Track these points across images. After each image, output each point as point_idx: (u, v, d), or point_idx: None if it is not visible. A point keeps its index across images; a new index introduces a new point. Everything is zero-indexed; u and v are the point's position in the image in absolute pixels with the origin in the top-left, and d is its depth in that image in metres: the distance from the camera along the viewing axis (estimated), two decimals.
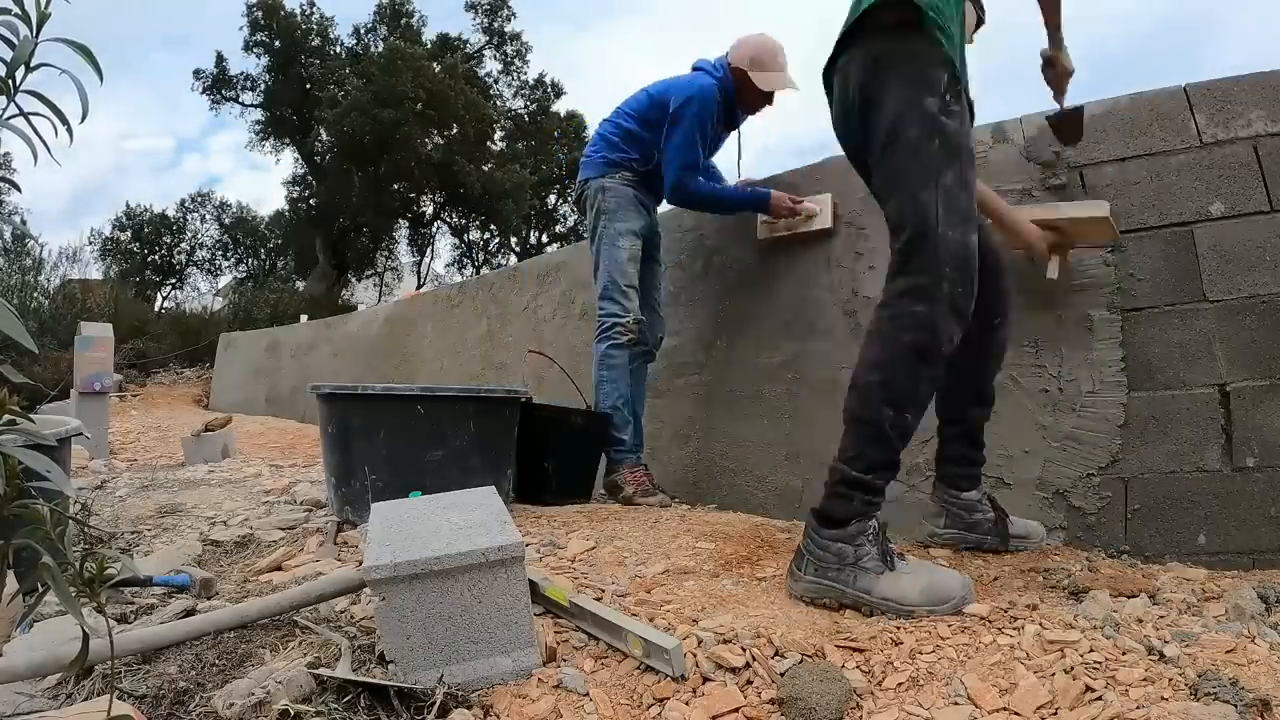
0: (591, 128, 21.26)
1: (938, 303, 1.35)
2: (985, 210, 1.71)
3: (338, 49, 18.06)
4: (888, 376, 1.38)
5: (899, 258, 1.41)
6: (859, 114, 1.48)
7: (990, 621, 1.26)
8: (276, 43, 17.03)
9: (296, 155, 18.11)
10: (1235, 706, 0.96)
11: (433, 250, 21.16)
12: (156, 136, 47.42)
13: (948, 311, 1.36)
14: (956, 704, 1.04)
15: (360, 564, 1.43)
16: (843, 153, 1.67)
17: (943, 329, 1.36)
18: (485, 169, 17.65)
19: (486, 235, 20.57)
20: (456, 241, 21.03)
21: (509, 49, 19.44)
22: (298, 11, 17.44)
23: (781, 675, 1.11)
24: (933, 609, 1.29)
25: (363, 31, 18.44)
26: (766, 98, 2.50)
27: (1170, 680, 1.03)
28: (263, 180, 38.37)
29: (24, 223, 13.70)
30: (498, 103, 19.08)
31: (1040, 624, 1.22)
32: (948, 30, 1.39)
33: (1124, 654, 1.11)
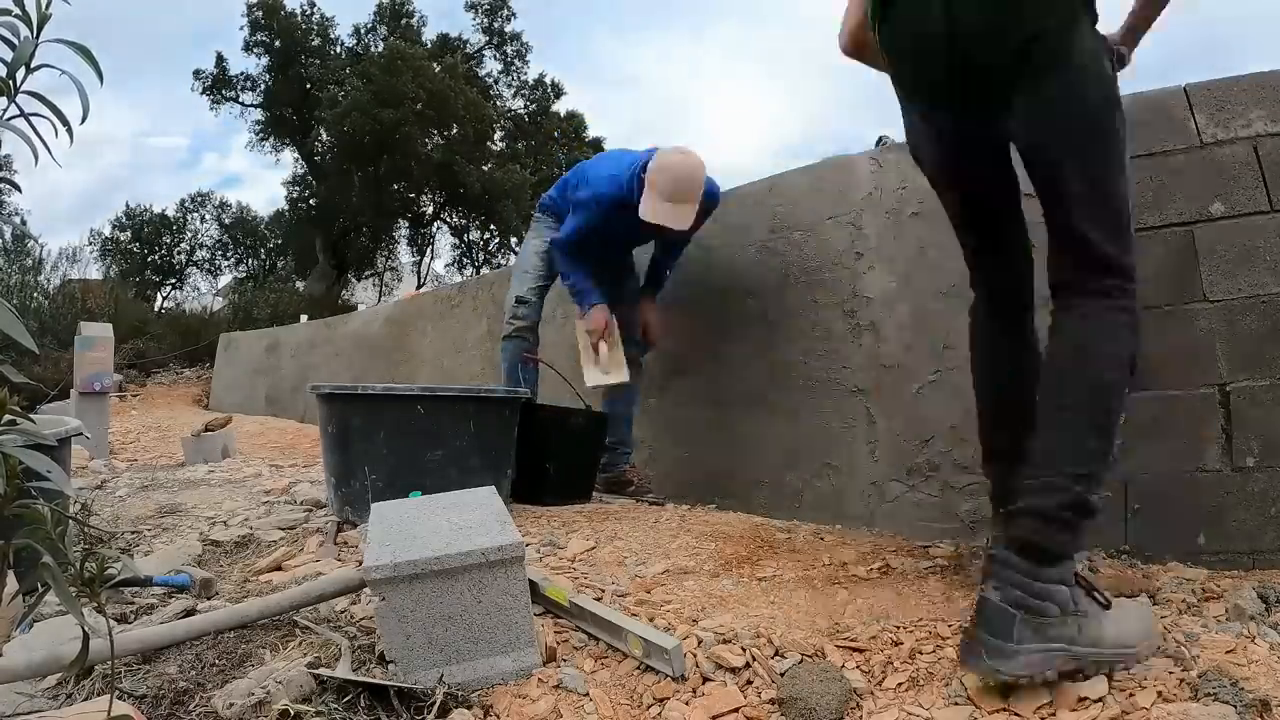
0: (592, 128, 21.27)
1: (1138, 312, 1.19)
2: None
3: (338, 49, 18.06)
4: (1125, 377, 1.15)
5: (1099, 260, 1.17)
6: (1013, 67, 1.17)
7: None
8: (276, 43, 17.01)
9: (296, 155, 18.11)
10: (1235, 707, 0.96)
11: (433, 250, 21.17)
12: (177, 135, 47.25)
13: (1140, 323, 1.19)
14: (957, 704, 1.04)
15: (360, 564, 1.43)
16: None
17: (1140, 341, 1.18)
18: (485, 169, 17.65)
19: (486, 235, 20.56)
20: (456, 241, 21.02)
21: (509, 49, 19.43)
22: (298, 11, 17.43)
23: (781, 675, 1.12)
24: (1150, 645, 1.09)
25: (363, 31, 18.43)
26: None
27: (1170, 681, 1.03)
28: (279, 178, 38.49)
29: (24, 223, 13.70)
30: (498, 103, 19.07)
31: None
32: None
33: None
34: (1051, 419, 1.15)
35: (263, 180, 37.57)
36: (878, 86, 1.58)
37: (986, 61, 1.19)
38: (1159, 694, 1.01)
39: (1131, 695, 1.01)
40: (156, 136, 41.89)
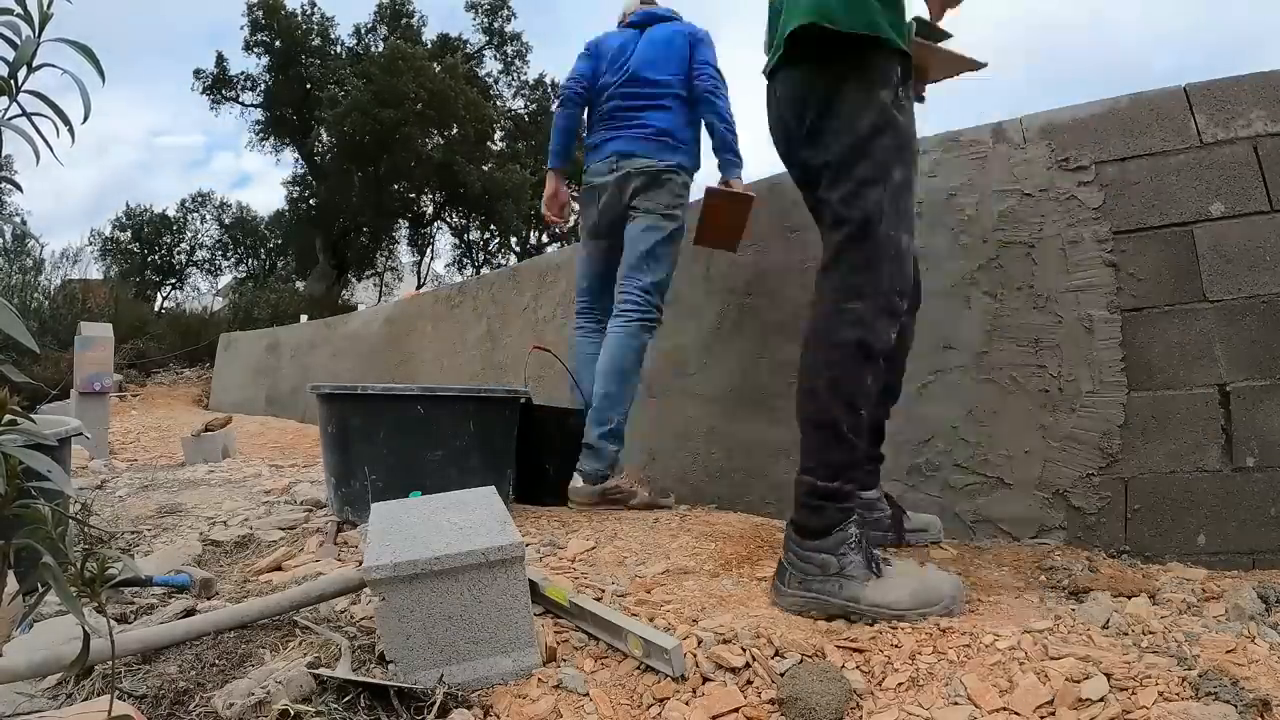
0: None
1: (876, 299, 1.35)
2: None
3: (338, 49, 18.06)
4: (836, 375, 1.35)
5: (834, 253, 1.39)
6: (812, 117, 1.42)
7: (990, 622, 1.26)
8: (277, 43, 17.02)
9: (296, 155, 18.12)
10: (1235, 706, 0.96)
11: (433, 250, 21.18)
12: (192, 133, 47.08)
13: (883, 310, 1.35)
14: (956, 704, 1.04)
15: (360, 564, 1.43)
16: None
17: (879, 327, 1.35)
18: (485, 169, 17.65)
19: (486, 235, 20.57)
20: (456, 241, 21.04)
21: (509, 49, 19.45)
22: (298, 11, 17.44)
23: (781, 675, 1.12)
24: (924, 611, 1.27)
25: (363, 31, 18.45)
26: None
27: (1170, 680, 1.03)
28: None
29: (24, 223, 13.69)
30: (498, 103, 19.07)
31: (1039, 626, 1.22)
32: (899, 28, 1.38)
33: (1124, 654, 1.11)
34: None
35: (274, 179, 37.64)
36: None
37: None
38: (1160, 693, 1.01)
39: (1133, 694, 1.01)
40: (170, 135, 41.80)
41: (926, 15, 1.63)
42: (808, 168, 1.49)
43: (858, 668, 1.15)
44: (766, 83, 1.56)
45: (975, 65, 1.68)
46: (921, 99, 1.74)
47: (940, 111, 2.25)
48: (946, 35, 1.67)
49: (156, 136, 44.45)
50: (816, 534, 1.33)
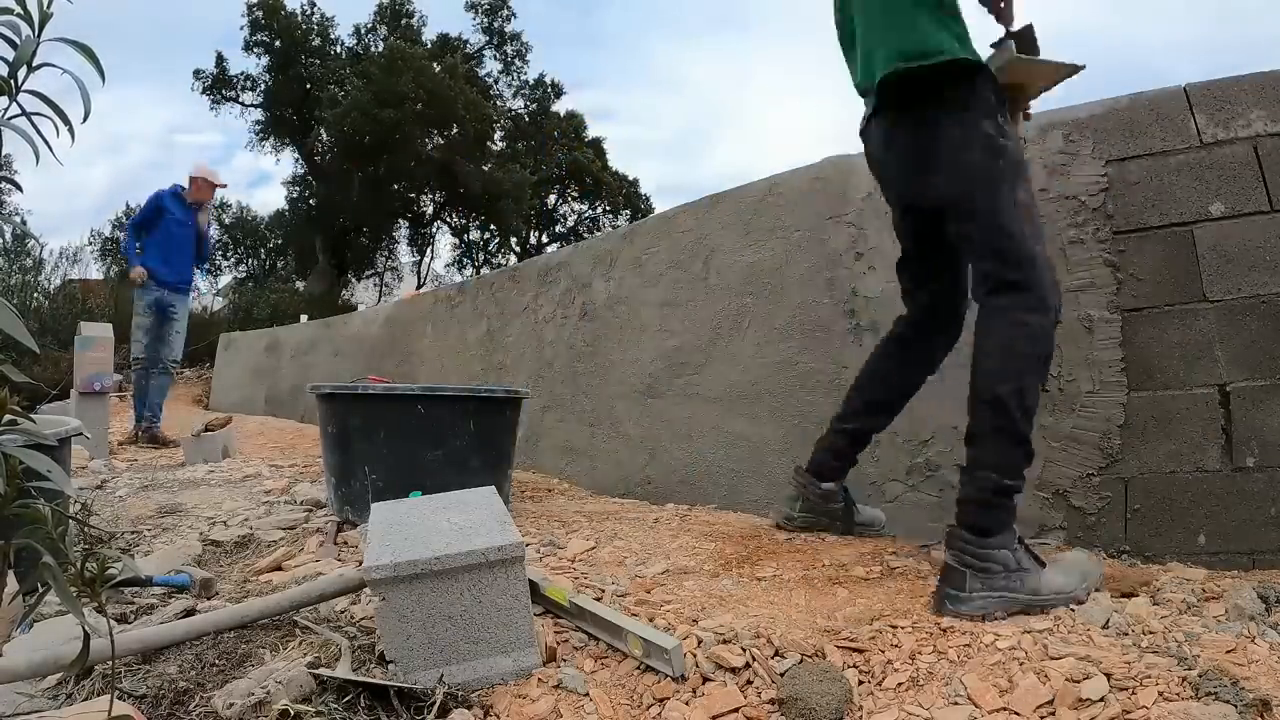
0: (592, 129, 21.30)
1: (1048, 313, 1.43)
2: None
3: (338, 49, 18.05)
4: (1022, 385, 1.41)
5: (1002, 277, 1.44)
6: (920, 158, 1.53)
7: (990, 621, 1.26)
8: (276, 43, 17.01)
9: (296, 155, 18.11)
10: (1235, 706, 0.96)
11: (433, 250, 21.18)
12: (211, 131, 46.98)
13: (1054, 321, 1.44)
14: (956, 704, 1.04)
15: (360, 564, 1.43)
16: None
17: (1053, 337, 1.45)
18: (485, 169, 17.65)
19: (486, 235, 20.57)
20: (456, 241, 21.03)
21: (509, 49, 19.44)
22: (298, 11, 17.43)
23: (781, 675, 1.12)
24: (1089, 587, 1.35)
25: (363, 31, 18.43)
26: None
27: (1170, 680, 1.03)
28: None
29: (24, 223, 13.68)
30: (498, 103, 19.07)
31: (1039, 625, 1.22)
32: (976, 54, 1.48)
33: (1124, 654, 1.11)
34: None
35: (282, 178, 37.77)
36: None
37: None
38: (1160, 693, 1.01)
39: (1133, 694, 1.01)
40: (189, 134, 41.79)
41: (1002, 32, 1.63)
42: (929, 201, 1.58)
43: (857, 668, 1.15)
44: (870, 114, 1.65)
45: (1074, 69, 1.65)
46: (1028, 117, 1.77)
47: None
48: (1036, 44, 1.63)
49: (175, 134, 44.44)
50: (993, 532, 1.37)
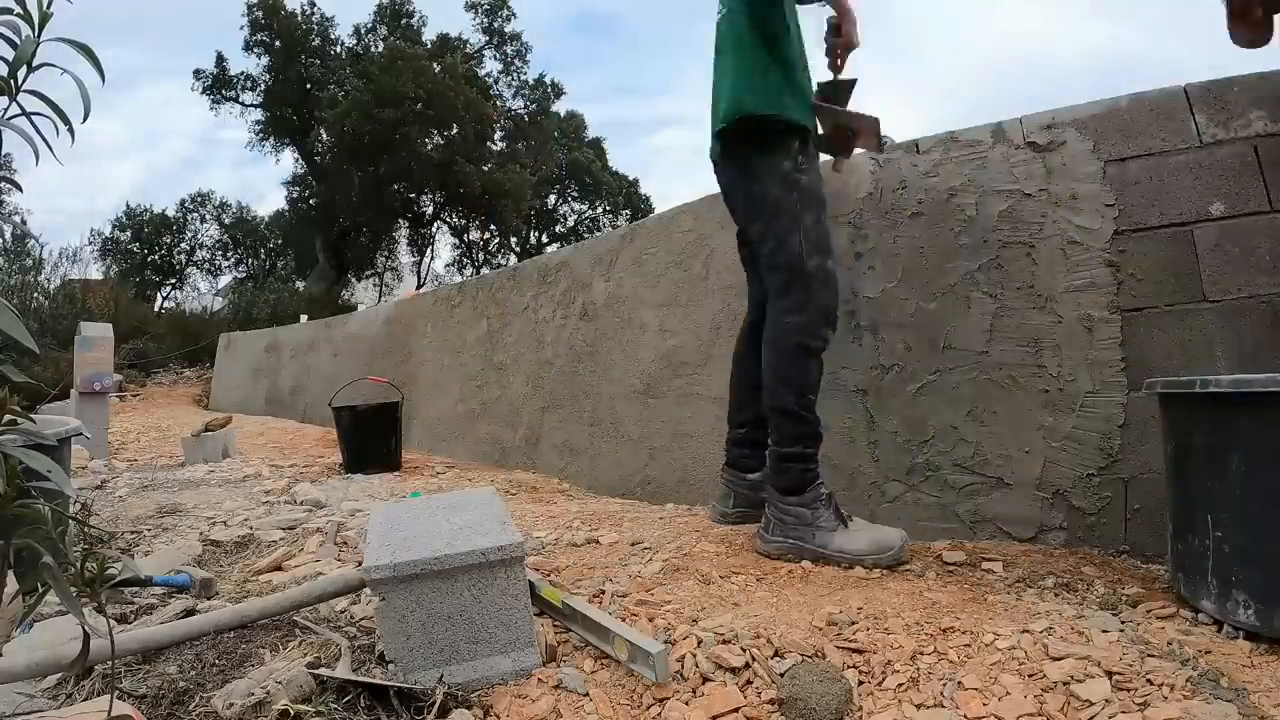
0: (591, 129, 21.31)
1: (810, 312, 1.75)
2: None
3: (338, 49, 18.05)
4: (785, 373, 1.77)
5: (780, 286, 1.79)
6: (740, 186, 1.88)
7: (989, 621, 1.26)
8: (276, 43, 17.01)
9: (296, 155, 18.11)
10: (1236, 706, 0.96)
11: (433, 250, 21.18)
12: (243, 129, 46.93)
13: (819, 318, 1.76)
14: (956, 705, 1.04)
15: (360, 564, 1.43)
16: None
17: (817, 331, 1.76)
18: (485, 169, 17.65)
19: (486, 235, 20.57)
20: (456, 241, 21.03)
21: (509, 49, 19.44)
22: (298, 11, 17.43)
23: (781, 675, 1.11)
24: (877, 558, 1.62)
25: (363, 31, 18.43)
26: None
27: (1172, 680, 1.03)
28: None
29: (24, 223, 13.68)
30: (498, 103, 19.07)
31: (1038, 626, 1.22)
32: (798, 109, 1.79)
33: (1125, 654, 1.11)
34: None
35: None
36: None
37: None
38: (1161, 693, 1.01)
39: (1133, 694, 1.01)
40: (228, 129, 41.72)
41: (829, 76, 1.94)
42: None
43: (857, 668, 1.15)
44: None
45: (878, 140, 1.92)
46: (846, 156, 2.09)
47: (952, 112, 2.25)
48: (847, 96, 1.93)
49: (214, 130, 44.33)
50: (794, 491, 1.71)
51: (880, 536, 1.65)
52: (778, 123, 1.77)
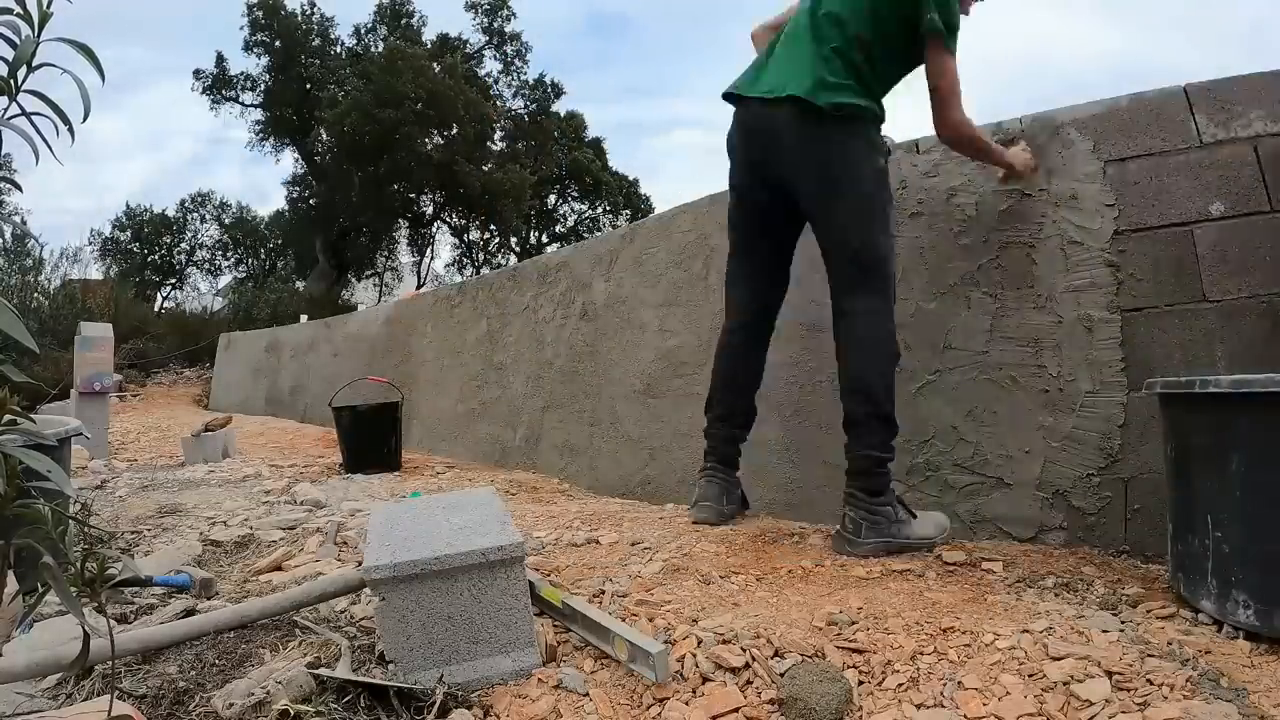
0: (591, 129, 21.33)
1: (892, 318, 1.80)
2: (983, 156, 1.92)
3: (338, 49, 18.05)
4: (888, 379, 1.76)
5: (868, 286, 1.78)
6: (817, 171, 1.79)
7: (990, 621, 1.26)
8: (277, 43, 17.00)
9: (296, 155, 18.10)
10: (1237, 705, 0.96)
11: (433, 250, 21.17)
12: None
13: (894, 324, 1.81)
14: (955, 705, 1.04)
15: (360, 564, 1.43)
16: None
17: (896, 335, 1.81)
18: (485, 169, 17.64)
19: (486, 235, 20.56)
20: (456, 241, 21.02)
21: (509, 49, 19.43)
22: (298, 11, 17.42)
23: (781, 675, 1.11)
24: (942, 537, 1.77)
25: (363, 31, 18.43)
26: None
27: (1172, 680, 1.03)
28: None
29: (24, 223, 13.68)
30: (498, 103, 19.06)
31: (1038, 626, 1.22)
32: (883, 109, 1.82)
33: (1125, 654, 1.11)
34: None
35: None
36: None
37: None
38: (1161, 693, 1.01)
39: (1134, 694, 1.01)
40: (236, 129, 41.82)
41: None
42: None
43: (857, 668, 1.15)
44: (757, 109, 1.86)
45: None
46: None
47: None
48: None
49: (223, 130, 44.54)
50: (879, 493, 1.74)
51: (937, 519, 1.80)
52: (879, 117, 1.80)
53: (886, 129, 1.89)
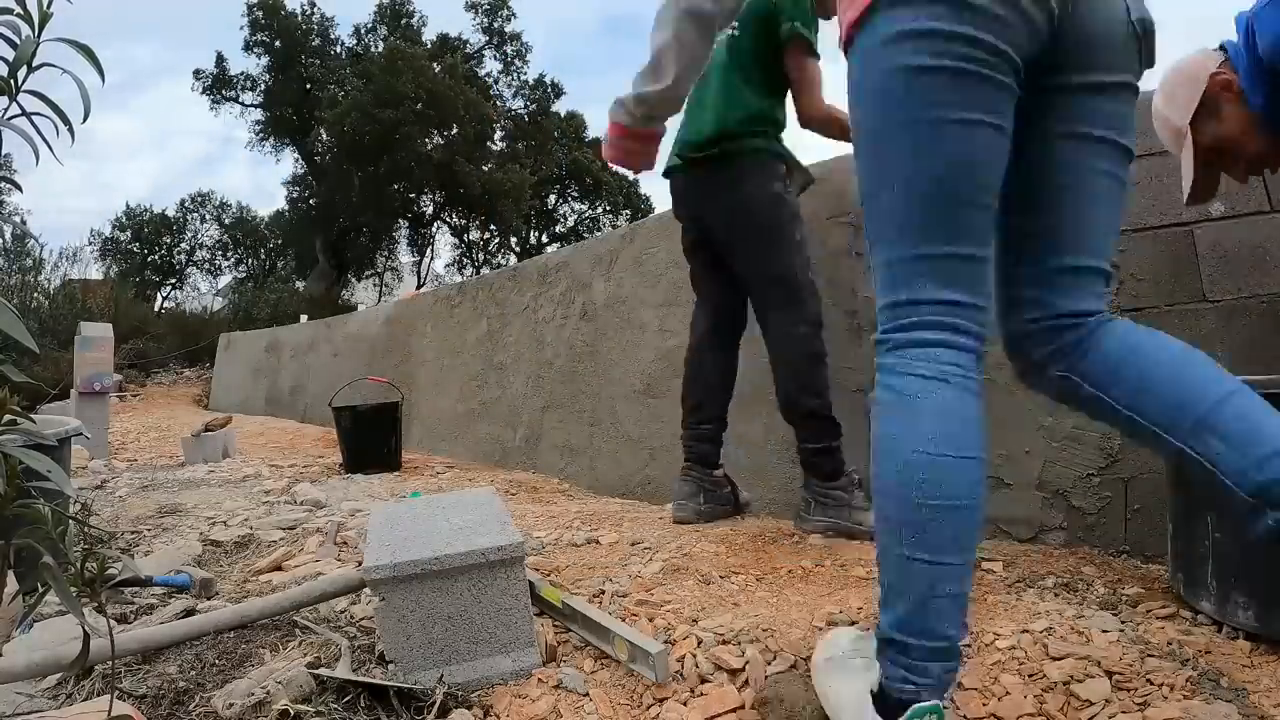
0: (592, 129, 21.34)
1: (811, 322, 1.95)
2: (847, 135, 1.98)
3: (338, 49, 18.07)
4: (807, 381, 1.93)
5: (780, 299, 1.95)
6: (729, 208, 1.96)
7: (989, 621, 1.26)
8: (277, 43, 17.02)
9: (296, 155, 18.11)
10: (1236, 705, 0.96)
11: (433, 250, 21.19)
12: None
13: (818, 326, 1.96)
14: (956, 705, 1.04)
15: (360, 564, 1.43)
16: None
17: (819, 336, 1.96)
18: (485, 169, 17.65)
19: (486, 235, 20.57)
20: (456, 241, 21.04)
21: (509, 49, 19.45)
22: (298, 11, 17.44)
23: (767, 679, 1.11)
24: None
25: (363, 31, 18.46)
26: None
27: (1172, 680, 1.03)
28: None
29: (24, 223, 13.68)
30: (498, 103, 19.07)
31: (1038, 626, 1.22)
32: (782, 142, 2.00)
33: (1125, 654, 1.11)
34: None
35: None
36: None
37: None
38: (1161, 693, 1.01)
39: (1134, 694, 1.01)
40: (243, 129, 41.78)
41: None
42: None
43: None
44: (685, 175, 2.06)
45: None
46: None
47: None
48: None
49: (231, 129, 44.78)
50: (831, 476, 1.90)
51: None
52: (767, 145, 1.95)
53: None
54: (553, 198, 21.67)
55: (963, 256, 0.94)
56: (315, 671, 1.13)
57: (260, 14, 16.74)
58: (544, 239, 21.75)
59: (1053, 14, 0.93)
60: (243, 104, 18.01)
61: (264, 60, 17.31)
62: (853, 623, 1.28)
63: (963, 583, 0.88)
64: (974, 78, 0.90)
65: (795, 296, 1.94)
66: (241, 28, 16.93)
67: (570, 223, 22.12)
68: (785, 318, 1.95)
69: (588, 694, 1.11)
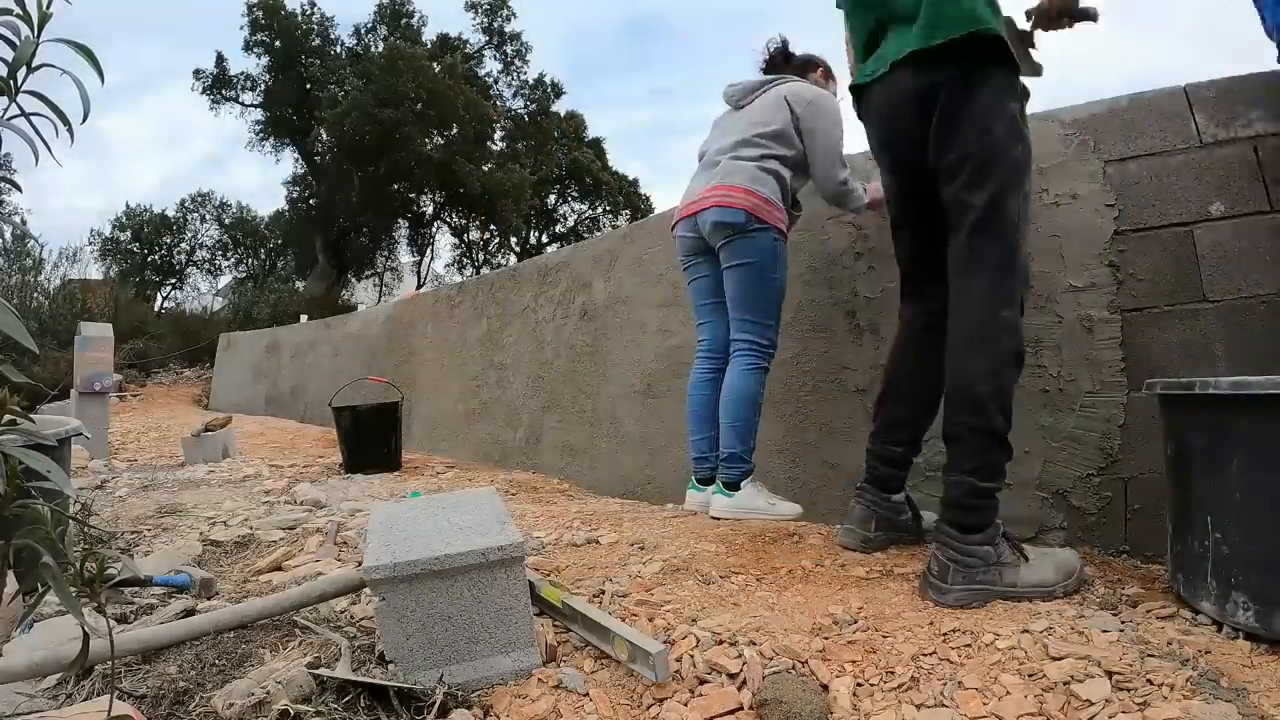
0: (591, 129, 21.34)
1: (1019, 307, 1.44)
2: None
3: (338, 49, 18.05)
4: (1000, 385, 1.43)
5: (994, 263, 1.43)
6: (945, 123, 1.47)
7: (990, 622, 1.26)
8: (276, 43, 17.01)
9: (296, 155, 18.10)
10: (1237, 705, 0.96)
11: (433, 250, 21.18)
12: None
13: (1022, 316, 1.46)
14: (955, 705, 1.04)
15: (360, 564, 1.43)
16: None
17: (1022, 332, 1.45)
18: (485, 169, 17.64)
19: (486, 235, 20.57)
20: (456, 241, 21.03)
21: (509, 49, 19.44)
22: (298, 11, 17.43)
23: (763, 680, 1.12)
24: (1067, 584, 1.40)
25: (363, 31, 18.44)
26: None
27: (1172, 680, 1.03)
28: None
29: (24, 223, 13.68)
30: (498, 103, 19.07)
31: (1038, 625, 1.22)
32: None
33: (1125, 654, 1.11)
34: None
35: None
36: None
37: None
38: (1161, 693, 1.01)
39: (1134, 694, 1.01)
40: (248, 129, 42.14)
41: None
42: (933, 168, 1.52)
43: (857, 667, 1.15)
44: (872, 88, 1.61)
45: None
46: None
47: None
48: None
49: (239, 128, 44.97)
50: (976, 529, 1.43)
51: (1061, 560, 1.43)
52: (1009, 56, 1.46)
53: None
54: (553, 198, 21.66)
55: None
56: (315, 671, 1.13)
57: (260, 14, 16.74)
58: (544, 239, 21.74)
59: None
60: (243, 104, 18.00)
61: (264, 60, 17.30)
62: (853, 622, 1.28)
63: None
64: None
65: (1008, 267, 1.44)
66: (241, 28, 16.94)
67: (570, 223, 22.12)
68: (986, 290, 1.43)
69: (588, 694, 1.11)
